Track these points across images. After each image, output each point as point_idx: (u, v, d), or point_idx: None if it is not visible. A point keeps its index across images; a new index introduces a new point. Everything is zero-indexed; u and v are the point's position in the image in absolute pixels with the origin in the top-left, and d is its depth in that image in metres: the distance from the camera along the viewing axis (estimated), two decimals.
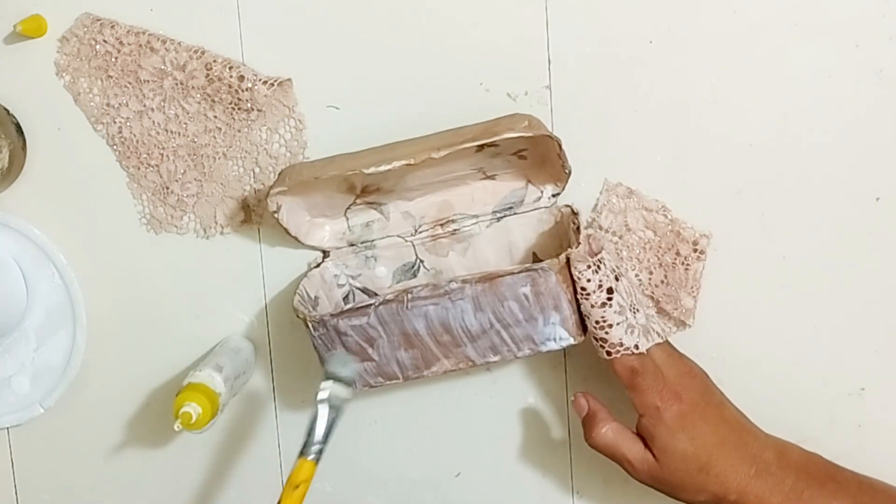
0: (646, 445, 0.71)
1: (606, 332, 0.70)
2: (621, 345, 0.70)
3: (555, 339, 0.71)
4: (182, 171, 0.81)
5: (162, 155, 0.80)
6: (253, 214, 0.80)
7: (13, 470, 0.87)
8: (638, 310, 0.71)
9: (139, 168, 0.81)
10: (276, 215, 0.76)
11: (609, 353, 0.70)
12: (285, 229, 0.77)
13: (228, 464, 0.85)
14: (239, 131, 0.79)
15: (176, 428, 0.73)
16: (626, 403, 0.72)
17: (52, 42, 0.80)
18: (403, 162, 0.71)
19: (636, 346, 0.70)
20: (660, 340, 0.71)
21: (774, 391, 0.77)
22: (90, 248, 0.83)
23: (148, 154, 0.81)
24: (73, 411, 0.85)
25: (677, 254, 0.76)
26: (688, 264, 0.76)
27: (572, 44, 0.76)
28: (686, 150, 0.76)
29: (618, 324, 0.70)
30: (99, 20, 0.79)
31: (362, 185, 0.77)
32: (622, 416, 0.73)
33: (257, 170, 0.80)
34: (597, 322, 0.70)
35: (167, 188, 0.81)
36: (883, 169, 0.75)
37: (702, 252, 0.76)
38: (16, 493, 0.87)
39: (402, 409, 0.81)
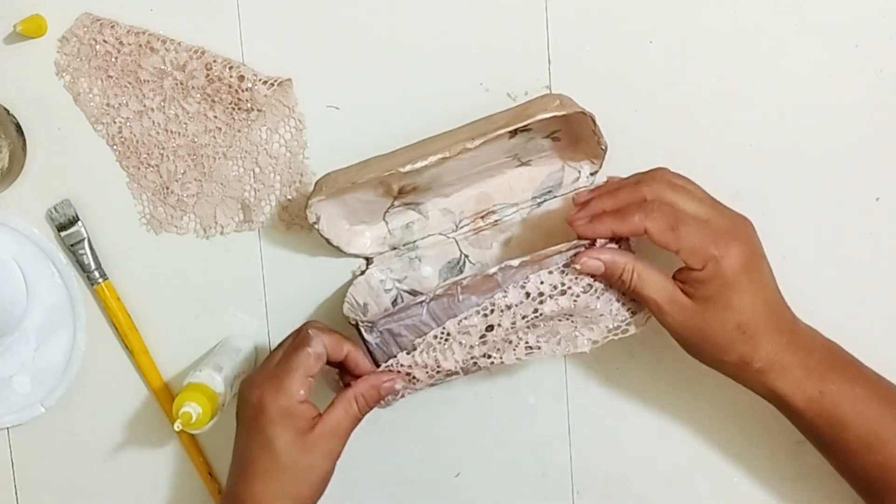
0: (682, 290, 0.67)
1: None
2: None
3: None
4: (182, 171, 0.80)
5: (162, 155, 0.80)
6: (253, 214, 0.80)
7: (13, 470, 0.87)
8: None
9: (139, 168, 0.81)
10: (315, 226, 0.75)
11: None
12: (326, 240, 0.76)
13: (228, 464, 0.85)
14: (239, 131, 0.79)
15: (176, 428, 0.73)
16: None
17: (52, 42, 0.80)
18: (439, 155, 0.70)
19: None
20: None
21: None
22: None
23: (148, 154, 0.81)
24: (73, 411, 0.85)
25: None
26: None
27: (572, 44, 0.76)
28: (686, 151, 0.76)
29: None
30: (99, 20, 0.79)
31: (399, 186, 0.76)
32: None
33: (257, 170, 0.80)
34: None
35: (167, 188, 0.81)
36: (883, 169, 0.75)
37: None
38: (16, 494, 0.87)
39: (403, 409, 0.81)
